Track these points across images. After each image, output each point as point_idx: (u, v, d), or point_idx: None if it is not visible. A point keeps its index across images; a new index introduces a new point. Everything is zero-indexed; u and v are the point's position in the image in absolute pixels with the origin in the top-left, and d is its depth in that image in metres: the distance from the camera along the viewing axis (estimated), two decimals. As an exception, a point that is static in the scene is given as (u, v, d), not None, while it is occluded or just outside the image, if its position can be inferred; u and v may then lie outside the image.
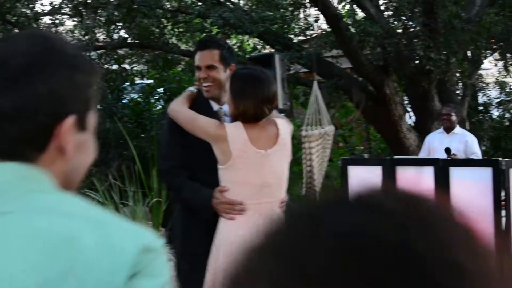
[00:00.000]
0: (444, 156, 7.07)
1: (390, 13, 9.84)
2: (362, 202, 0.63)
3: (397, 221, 0.59)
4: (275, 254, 0.60)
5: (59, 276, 1.11)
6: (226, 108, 3.68)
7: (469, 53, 10.77)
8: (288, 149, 3.70)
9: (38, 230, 1.15)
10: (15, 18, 10.29)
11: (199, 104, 3.79)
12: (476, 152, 7.78)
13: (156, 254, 1.18)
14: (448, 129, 7.95)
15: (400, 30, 9.52)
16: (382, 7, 10.12)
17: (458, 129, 8.02)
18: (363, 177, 6.10)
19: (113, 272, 1.12)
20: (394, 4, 9.42)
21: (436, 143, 7.90)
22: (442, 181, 5.12)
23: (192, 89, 3.98)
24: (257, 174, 3.63)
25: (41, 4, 11.41)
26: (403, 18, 9.50)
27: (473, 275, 0.59)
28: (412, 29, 9.47)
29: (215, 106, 3.80)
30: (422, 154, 8.00)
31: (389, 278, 0.56)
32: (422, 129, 9.74)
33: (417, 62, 9.32)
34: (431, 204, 0.65)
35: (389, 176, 5.35)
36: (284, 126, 3.72)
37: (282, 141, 3.66)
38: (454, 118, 7.98)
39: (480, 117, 12.23)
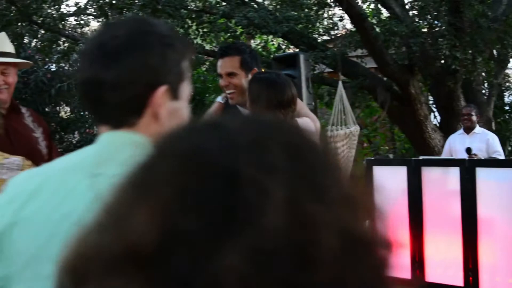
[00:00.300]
0: (465, 156, 7.01)
1: (416, 12, 9.78)
2: (211, 124, 0.71)
3: (232, 142, 0.66)
4: (131, 177, 0.69)
5: None
6: None
7: (495, 52, 10.68)
8: None
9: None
10: (41, 19, 10.38)
11: (229, 111, 3.80)
12: (498, 150, 7.71)
13: None
14: (469, 129, 7.88)
15: (425, 29, 9.46)
16: (407, 6, 10.06)
17: (478, 128, 7.95)
18: (388, 177, 6.06)
19: None
20: (420, 3, 9.35)
21: (457, 145, 7.83)
22: (468, 182, 5.07)
23: (219, 99, 4.00)
24: None
25: (67, 5, 11.49)
26: (429, 17, 9.43)
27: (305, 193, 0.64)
28: (437, 28, 9.40)
29: (244, 111, 3.81)
30: (443, 157, 7.93)
31: (212, 195, 0.62)
32: (447, 129, 9.67)
33: (442, 61, 9.26)
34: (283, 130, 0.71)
35: (414, 176, 5.31)
36: (306, 127, 3.71)
37: None
38: (474, 118, 7.92)
39: (506, 117, 12.12)
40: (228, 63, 3.85)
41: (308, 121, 3.80)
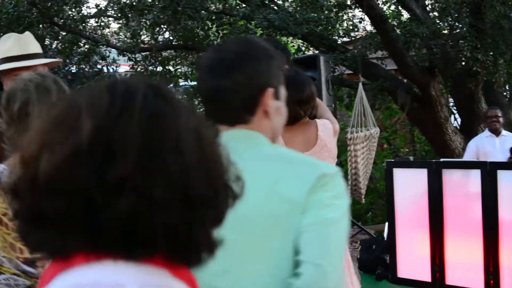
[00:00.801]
0: (500, 159, 6.96)
1: (436, 13, 9.72)
2: (109, 83, 1.04)
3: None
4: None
5: (274, 196, 1.77)
6: None
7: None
8: (329, 150, 3.66)
9: (260, 172, 1.79)
10: (62, 20, 10.44)
11: None
12: None
13: (330, 178, 1.80)
14: (496, 132, 7.81)
15: (446, 31, 9.40)
16: (428, 8, 10.01)
17: (503, 131, 7.90)
18: (409, 179, 6.03)
19: (299, 189, 1.75)
20: (441, 5, 9.30)
21: (487, 147, 7.74)
22: (489, 184, 5.04)
23: None
24: None
25: (87, 7, 11.55)
26: (450, 18, 9.37)
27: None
28: (458, 30, 9.34)
29: None
30: (467, 159, 7.83)
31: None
32: (468, 132, 9.61)
33: (463, 63, 9.19)
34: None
35: (435, 179, 5.28)
36: (325, 127, 3.69)
37: (321, 142, 3.63)
38: (501, 120, 7.87)
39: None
40: None
41: (328, 121, 3.79)
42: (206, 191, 0.98)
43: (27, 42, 3.56)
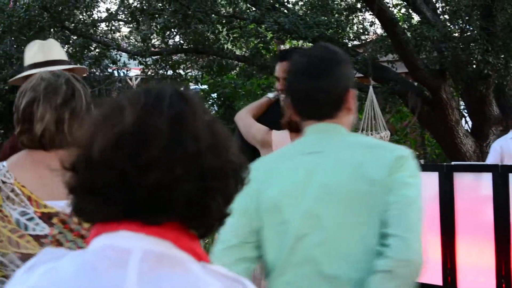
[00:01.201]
0: None
1: (447, 16, 9.70)
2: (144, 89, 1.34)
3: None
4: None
5: (359, 177, 2.17)
6: None
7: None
8: None
9: (346, 157, 2.23)
10: (73, 25, 10.49)
11: (273, 112, 3.83)
12: None
13: (405, 159, 2.19)
14: None
15: (457, 34, 9.38)
16: (439, 11, 9.99)
17: None
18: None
19: (381, 171, 2.15)
20: (452, 8, 9.28)
21: None
22: (501, 188, 5.01)
23: (270, 95, 4.01)
24: None
25: (98, 11, 11.60)
26: (461, 21, 9.34)
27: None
28: (469, 33, 9.31)
29: None
30: (491, 161, 7.68)
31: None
32: (479, 135, 9.58)
33: (474, 66, 9.16)
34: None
35: (446, 182, 5.26)
36: None
37: None
38: None
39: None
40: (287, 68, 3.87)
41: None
42: (216, 169, 1.27)
43: (51, 49, 3.56)
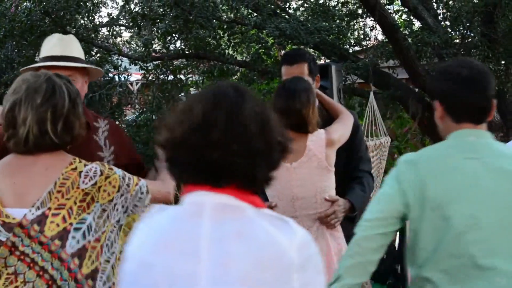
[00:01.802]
0: None
1: (448, 23, 9.70)
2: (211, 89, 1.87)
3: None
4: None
5: None
6: None
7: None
8: (319, 159, 3.64)
9: (501, 168, 2.55)
10: (74, 29, 10.49)
11: None
12: None
13: None
14: None
15: (458, 40, 9.38)
16: (440, 17, 9.99)
17: None
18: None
19: None
20: (453, 14, 9.28)
21: None
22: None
23: None
24: (286, 187, 3.65)
25: (100, 16, 11.59)
26: (461, 28, 9.35)
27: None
28: (470, 39, 9.32)
29: None
30: None
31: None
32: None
33: (475, 72, 9.15)
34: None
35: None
36: (317, 137, 3.67)
37: (310, 153, 3.63)
38: None
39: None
40: (297, 70, 3.88)
41: (321, 133, 3.77)
42: (263, 149, 1.73)
43: (70, 44, 3.44)
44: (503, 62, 8.68)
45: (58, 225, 2.24)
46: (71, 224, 2.26)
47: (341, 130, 3.81)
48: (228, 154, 1.69)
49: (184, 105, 1.80)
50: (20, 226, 2.20)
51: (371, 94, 7.29)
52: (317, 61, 10.74)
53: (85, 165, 2.34)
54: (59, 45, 3.39)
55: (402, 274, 6.26)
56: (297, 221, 3.63)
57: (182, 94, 12.18)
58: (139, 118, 10.17)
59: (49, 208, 2.23)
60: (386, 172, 9.27)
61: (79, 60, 3.45)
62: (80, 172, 2.30)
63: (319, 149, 3.63)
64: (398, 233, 6.33)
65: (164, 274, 1.66)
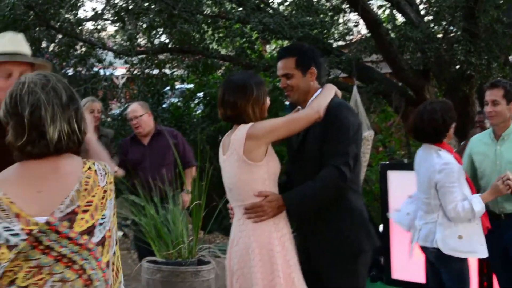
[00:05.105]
0: None
1: (431, 17, 9.78)
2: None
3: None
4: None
5: None
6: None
7: (510, 58, 10.65)
8: (237, 153, 3.65)
9: None
10: (58, 23, 10.48)
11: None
12: None
13: None
14: None
15: (440, 35, 9.46)
16: (422, 12, 10.07)
17: None
18: (403, 182, 6.08)
19: None
20: (435, 9, 9.36)
21: None
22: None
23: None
24: (224, 179, 3.79)
25: (84, 10, 11.58)
26: (444, 22, 9.43)
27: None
28: (452, 34, 9.40)
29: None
30: None
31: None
32: (462, 134, 9.65)
33: (457, 67, 9.25)
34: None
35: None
36: (240, 131, 3.66)
37: (232, 146, 3.67)
38: None
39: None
40: (283, 65, 3.92)
41: (247, 125, 3.83)
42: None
43: (21, 43, 3.56)
44: (485, 57, 8.77)
45: (87, 221, 2.27)
46: (97, 220, 2.30)
47: (272, 125, 3.72)
48: None
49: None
50: (47, 223, 2.21)
51: (355, 88, 7.34)
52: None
53: (93, 164, 2.37)
54: (12, 43, 3.52)
55: (385, 265, 6.33)
56: (234, 211, 3.77)
57: (168, 88, 12.20)
58: (125, 112, 10.16)
59: (78, 206, 2.25)
60: (371, 165, 9.35)
61: (29, 57, 3.57)
62: (95, 170, 2.33)
63: (238, 142, 3.63)
64: (382, 225, 6.40)
65: None
